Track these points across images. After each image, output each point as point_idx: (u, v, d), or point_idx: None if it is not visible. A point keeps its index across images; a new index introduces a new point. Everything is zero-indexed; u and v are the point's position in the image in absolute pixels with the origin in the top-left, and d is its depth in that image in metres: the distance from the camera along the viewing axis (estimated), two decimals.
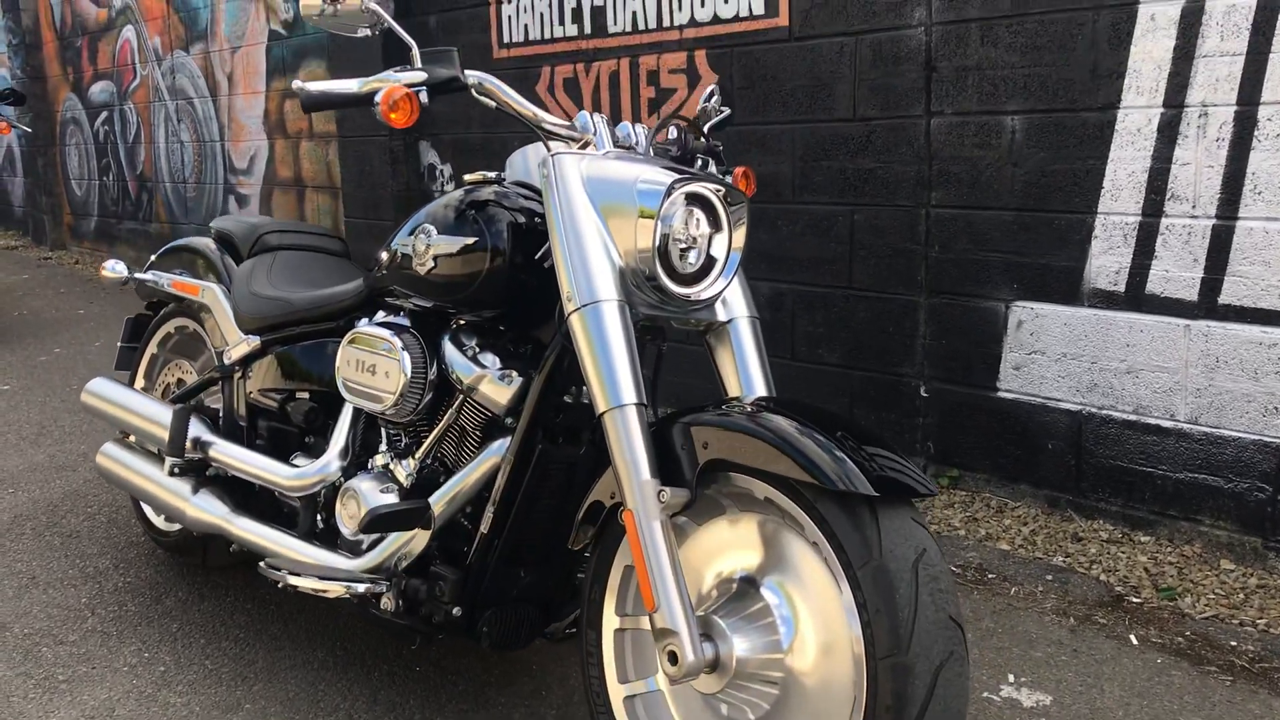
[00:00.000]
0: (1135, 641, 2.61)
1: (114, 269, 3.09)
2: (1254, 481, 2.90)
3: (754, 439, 1.73)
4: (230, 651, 2.62)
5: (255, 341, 2.65)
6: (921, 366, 3.56)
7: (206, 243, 2.96)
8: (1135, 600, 2.81)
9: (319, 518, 2.45)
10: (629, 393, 1.84)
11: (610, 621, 2.00)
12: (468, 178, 2.25)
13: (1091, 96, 3.09)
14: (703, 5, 4.05)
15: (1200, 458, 2.99)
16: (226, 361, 2.71)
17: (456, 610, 2.14)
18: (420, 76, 2.09)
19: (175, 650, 2.62)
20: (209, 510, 2.56)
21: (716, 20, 4.02)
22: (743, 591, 1.82)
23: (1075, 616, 2.74)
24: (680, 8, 4.14)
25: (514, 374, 2.12)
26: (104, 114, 8.74)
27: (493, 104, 2.11)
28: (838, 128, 3.70)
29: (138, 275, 3.06)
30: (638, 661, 2.00)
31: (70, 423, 4.49)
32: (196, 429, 2.63)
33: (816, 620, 1.74)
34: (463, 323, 2.24)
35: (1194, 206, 2.93)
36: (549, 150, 2.06)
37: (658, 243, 1.91)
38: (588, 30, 4.52)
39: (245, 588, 2.94)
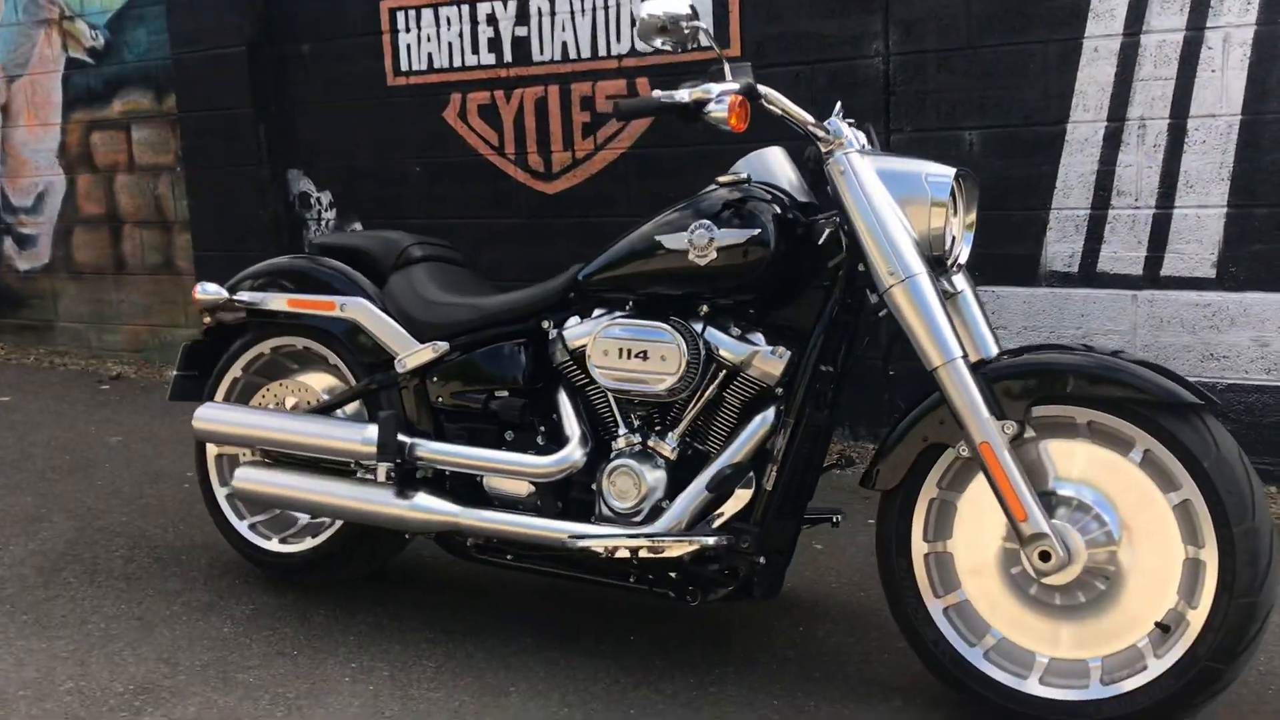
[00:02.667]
0: None
1: (208, 290, 3.00)
2: None
3: (1085, 374, 2.16)
4: (441, 643, 2.70)
5: (443, 347, 2.73)
6: (888, 349, 4.08)
7: (322, 261, 2.96)
8: None
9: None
10: (955, 348, 2.22)
11: (919, 549, 2.35)
12: (722, 180, 2.50)
13: (1044, 114, 3.77)
14: None
15: None
16: (403, 369, 2.76)
17: (762, 559, 2.40)
18: (738, 85, 2.34)
19: (379, 655, 2.64)
20: (437, 510, 2.62)
21: (660, 50, 4.37)
22: (1069, 501, 2.23)
23: None
24: (619, 40, 4.46)
25: (783, 349, 2.41)
26: None
27: (777, 110, 2.39)
28: (797, 145, 4.17)
29: (239, 296, 2.99)
30: (945, 578, 2.35)
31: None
32: (401, 435, 2.68)
33: (1139, 517, 2.18)
34: (707, 309, 2.49)
35: (1136, 200, 3.67)
36: (825, 150, 2.38)
37: (946, 225, 2.30)
38: (508, 59, 4.73)
39: (390, 592, 2.97)
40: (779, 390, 2.43)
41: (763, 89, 2.42)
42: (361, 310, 2.84)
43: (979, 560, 2.33)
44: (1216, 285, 3.59)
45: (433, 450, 2.67)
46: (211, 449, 3.14)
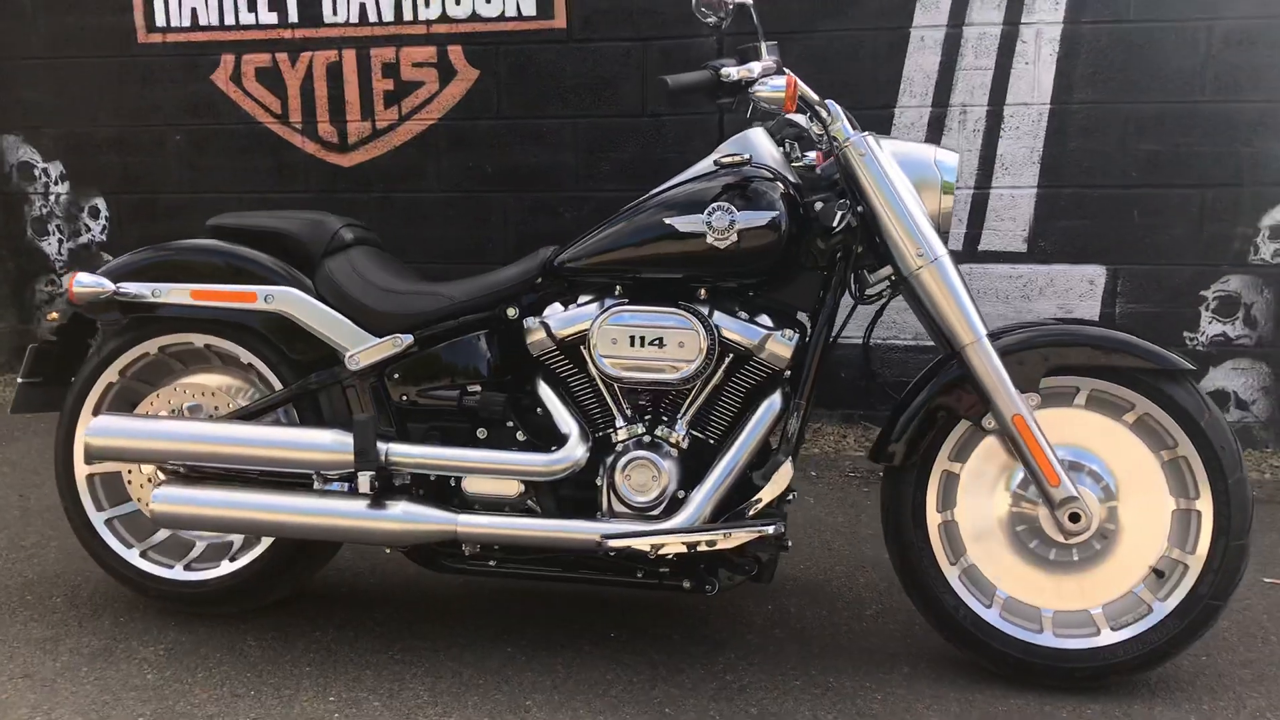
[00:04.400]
0: None
1: (90, 283, 2.53)
2: None
3: (1094, 345, 2.33)
4: (416, 662, 2.45)
5: (406, 340, 2.48)
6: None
7: (231, 246, 2.59)
8: None
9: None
10: (981, 327, 2.32)
11: (934, 519, 2.44)
12: (723, 160, 2.43)
13: (874, 98, 3.97)
14: (458, 3, 4.18)
15: None
16: (356, 366, 2.48)
17: (790, 543, 2.39)
18: (775, 65, 2.30)
19: (353, 683, 2.38)
20: (430, 519, 2.37)
21: (476, 18, 4.18)
22: (1073, 465, 2.39)
23: None
24: (428, 4, 4.20)
25: (790, 331, 2.41)
26: None
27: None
28: (626, 122, 4.15)
29: (126, 288, 2.55)
30: (954, 545, 2.46)
31: None
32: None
33: (1132, 475, 2.38)
34: (705, 292, 2.43)
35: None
36: (849, 132, 2.38)
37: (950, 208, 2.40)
38: (293, 19, 4.32)
39: (309, 612, 2.67)
40: (787, 373, 2.42)
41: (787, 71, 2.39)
42: (293, 301, 2.51)
43: (982, 526, 2.46)
44: (1028, 258, 3.97)
45: (414, 454, 2.42)
46: (81, 469, 2.67)
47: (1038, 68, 3.86)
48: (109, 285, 2.54)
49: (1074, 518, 2.30)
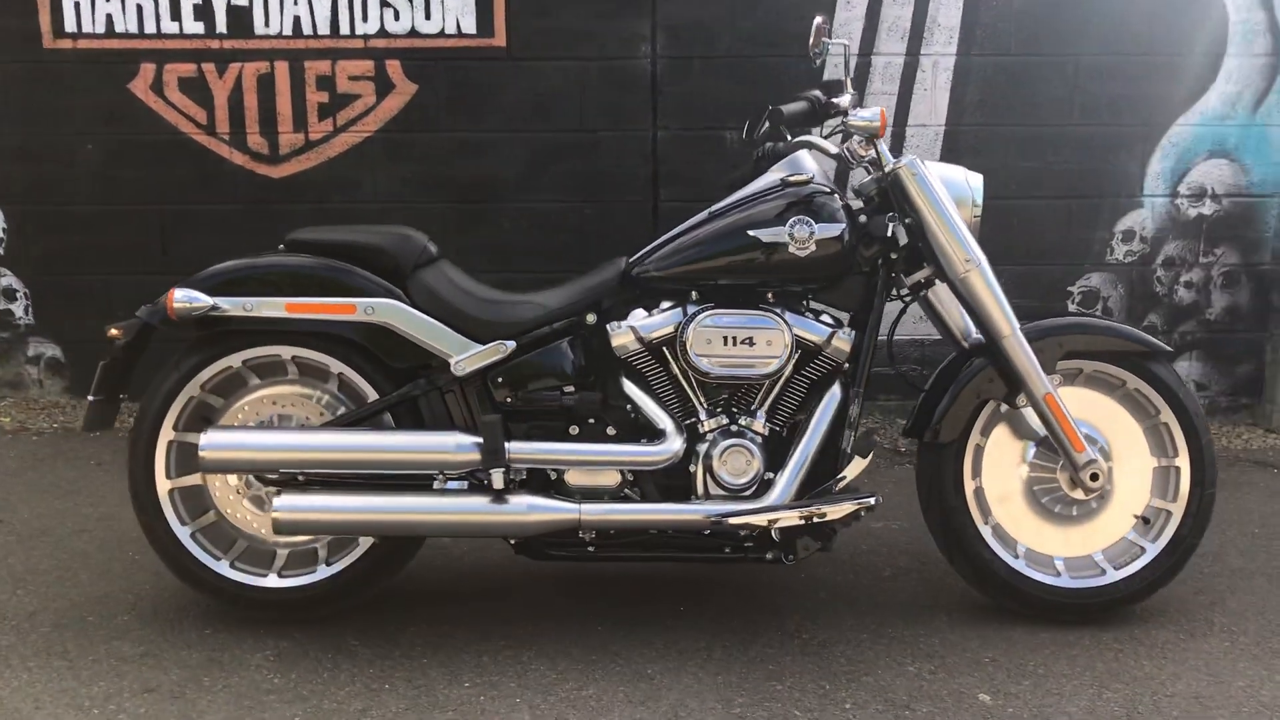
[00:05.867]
0: None
1: (189, 298, 2.55)
2: None
3: (1099, 333, 2.82)
4: (523, 645, 2.65)
5: (510, 346, 2.66)
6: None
7: (326, 262, 2.67)
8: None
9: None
10: (1015, 320, 2.75)
11: (969, 485, 2.85)
12: (789, 179, 2.74)
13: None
14: (397, 19, 4.28)
15: None
16: (464, 371, 2.63)
17: (863, 513, 2.74)
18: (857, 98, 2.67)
19: (491, 667, 2.54)
20: (557, 509, 2.56)
21: (415, 34, 4.30)
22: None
23: None
24: (366, 19, 4.28)
25: (850, 329, 2.77)
26: None
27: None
28: (565, 136, 4.37)
29: (222, 303, 2.59)
30: (983, 507, 2.87)
31: None
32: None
33: (1123, 440, 2.88)
34: (773, 296, 2.75)
35: None
36: (891, 158, 2.75)
37: None
38: (220, 29, 4.28)
39: (391, 608, 2.80)
40: (846, 366, 2.77)
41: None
42: (395, 312, 2.64)
43: (1003, 489, 2.89)
44: None
45: (537, 451, 2.61)
46: (164, 485, 2.68)
47: (934, 94, 4.39)
48: (207, 300, 2.58)
49: (1094, 477, 2.77)
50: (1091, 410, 2.88)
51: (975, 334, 2.83)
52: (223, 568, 2.70)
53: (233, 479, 2.71)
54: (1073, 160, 4.43)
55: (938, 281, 2.81)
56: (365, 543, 2.71)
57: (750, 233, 2.69)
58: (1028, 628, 2.82)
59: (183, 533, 2.69)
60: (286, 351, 2.70)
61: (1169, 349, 2.85)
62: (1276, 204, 4.50)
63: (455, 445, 2.58)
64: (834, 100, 2.71)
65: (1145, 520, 2.89)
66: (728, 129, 4.37)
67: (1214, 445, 2.87)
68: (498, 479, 2.57)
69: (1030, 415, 2.82)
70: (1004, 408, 2.83)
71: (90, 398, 2.68)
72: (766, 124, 2.86)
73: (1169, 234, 4.52)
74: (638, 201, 4.42)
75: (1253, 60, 4.39)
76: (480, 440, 2.58)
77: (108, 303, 4.36)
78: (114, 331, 2.69)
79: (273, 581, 2.71)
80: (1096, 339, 2.82)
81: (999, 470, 2.89)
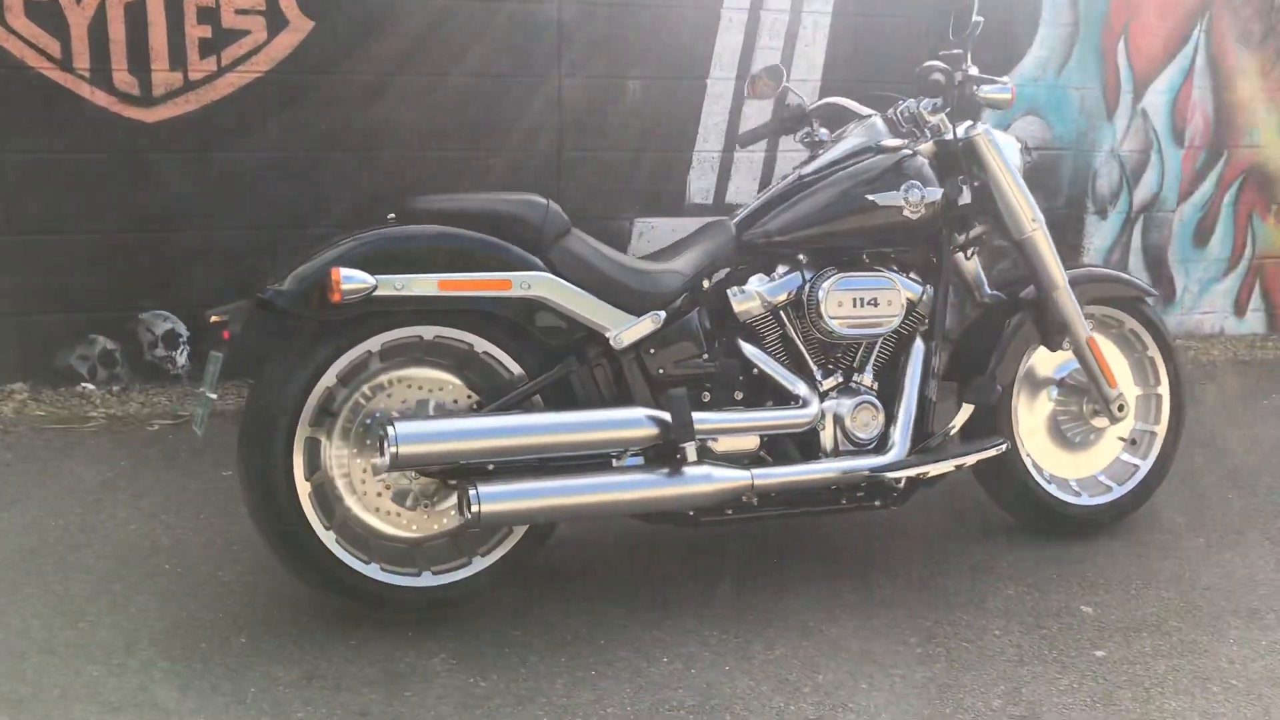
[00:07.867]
0: None
1: (356, 279, 2.26)
2: None
3: (1115, 281, 3.22)
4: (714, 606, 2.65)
5: (662, 316, 2.60)
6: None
7: (474, 234, 2.45)
8: None
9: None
10: (1065, 274, 3.07)
11: (1020, 427, 3.16)
12: (885, 144, 2.87)
13: (690, 69, 4.45)
14: None
15: None
16: (622, 345, 2.55)
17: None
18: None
19: (682, 631, 2.52)
20: (732, 478, 2.56)
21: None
22: None
23: None
24: None
25: (928, 287, 2.97)
26: None
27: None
28: (470, 82, 4.16)
29: (383, 279, 2.32)
30: (1032, 446, 3.20)
31: None
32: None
33: (1119, 374, 3.30)
34: (867, 258, 2.90)
35: (754, 146, 4.61)
36: (962, 124, 2.96)
37: None
38: None
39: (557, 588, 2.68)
40: (927, 321, 2.98)
41: None
42: (552, 286, 2.50)
43: (1030, 424, 3.24)
44: None
45: (721, 421, 2.61)
46: (304, 486, 2.38)
47: (813, 49, 4.63)
48: (370, 280, 2.31)
49: (1121, 408, 3.18)
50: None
51: (989, 290, 3.13)
52: (373, 570, 2.46)
53: (358, 473, 2.46)
54: None
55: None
56: (520, 531, 2.57)
57: (869, 197, 2.80)
58: (1060, 543, 3.19)
59: (328, 537, 2.42)
60: (429, 331, 2.48)
61: (1155, 291, 3.31)
62: (1070, 156, 5.20)
63: (644, 420, 2.51)
64: (970, 70, 2.86)
65: (1133, 442, 3.35)
66: (629, 78, 4.36)
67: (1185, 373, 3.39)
68: (691, 452, 2.54)
69: (1046, 358, 3.17)
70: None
71: (211, 395, 2.32)
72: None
73: None
74: (544, 151, 4.31)
75: (1059, 30, 5.02)
76: (663, 415, 2.53)
77: None
78: (216, 318, 2.35)
79: (427, 580, 2.51)
80: (1109, 286, 3.21)
81: (1028, 407, 3.23)
